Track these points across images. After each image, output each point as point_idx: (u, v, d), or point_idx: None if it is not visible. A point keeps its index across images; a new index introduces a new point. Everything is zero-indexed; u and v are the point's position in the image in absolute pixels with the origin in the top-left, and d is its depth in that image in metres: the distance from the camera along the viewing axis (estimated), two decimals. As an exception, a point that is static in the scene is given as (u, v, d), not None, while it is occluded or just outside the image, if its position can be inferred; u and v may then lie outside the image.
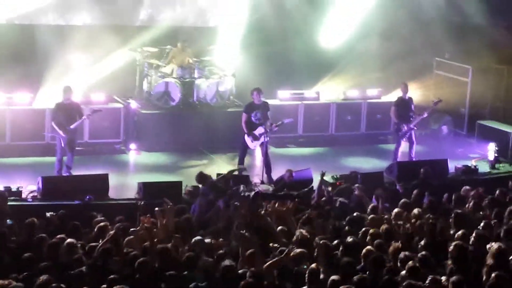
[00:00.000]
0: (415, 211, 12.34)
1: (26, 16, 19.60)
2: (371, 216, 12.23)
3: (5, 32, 19.06)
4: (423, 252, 10.12)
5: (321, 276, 9.32)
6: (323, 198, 13.79)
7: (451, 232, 11.49)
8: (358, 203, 13.54)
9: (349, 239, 10.65)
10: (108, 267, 9.95)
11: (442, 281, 9.27)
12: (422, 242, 10.98)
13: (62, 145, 15.96)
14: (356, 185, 14.55)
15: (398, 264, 9.94)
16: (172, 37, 20.29)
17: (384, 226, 11.37)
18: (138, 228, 11.25)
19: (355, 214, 12.33)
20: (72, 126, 15.98)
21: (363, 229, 11.35)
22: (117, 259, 10.15)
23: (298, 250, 9.86)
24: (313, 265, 9.37)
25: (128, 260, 10.11)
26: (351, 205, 13.48)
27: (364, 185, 14.52)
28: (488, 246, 10.32)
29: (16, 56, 18.89)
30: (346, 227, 11.81)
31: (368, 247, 10.35)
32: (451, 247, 10.07)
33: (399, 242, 10.66)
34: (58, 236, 10.93)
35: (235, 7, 20.92)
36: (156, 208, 11.65)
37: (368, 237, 10.91)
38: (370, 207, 13.05)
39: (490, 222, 11.86)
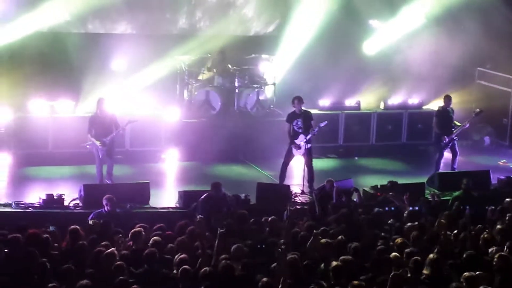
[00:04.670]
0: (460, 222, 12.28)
1: (67, 25, 19.76)
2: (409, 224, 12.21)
3: (47, 40, 19.25)
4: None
5: None
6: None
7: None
8: (396, 213, 13.49)
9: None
10: (154, 271, 10.05)
11: None
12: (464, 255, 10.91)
13: (100, 156, 16.08)
14: (390, 193, 14.49)
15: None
16: (212, 46, 20.31)
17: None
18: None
19: (390, 221, 12.33)
20: (107, 139, 16.08)
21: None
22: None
23: None
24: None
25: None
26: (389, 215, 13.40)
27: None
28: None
29: (58, 64, 19.09)
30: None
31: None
32: (496, 259, 10.03)
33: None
34: (102, 244, 11.02)
35: (277, 17, 20.97)
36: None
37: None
38: (406, 214, 13.00)
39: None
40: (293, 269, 9.84)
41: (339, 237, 11.36)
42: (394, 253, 10.73)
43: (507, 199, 14.26)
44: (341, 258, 10.18)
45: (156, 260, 10.49)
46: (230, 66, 20.08)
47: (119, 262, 10.26)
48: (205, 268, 9.97)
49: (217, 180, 14.61)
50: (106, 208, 13.44)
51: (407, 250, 10.80)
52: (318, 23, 20.96)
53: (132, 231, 11.58)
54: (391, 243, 11.38)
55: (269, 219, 12.55)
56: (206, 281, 9.71)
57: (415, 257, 10.21)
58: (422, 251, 10.73)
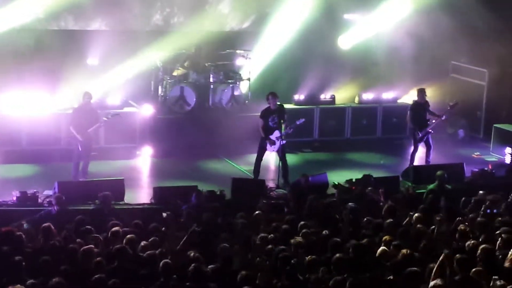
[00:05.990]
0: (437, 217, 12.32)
1: (40, 21, 19.65)
2: (389, 220, 12.22)
3: (20, 37, 19.13)
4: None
5: None
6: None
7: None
8: (372, 207, 13.50)
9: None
10: (123, 267, 10.02)
11: None
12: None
13: (79, 149, 16.03)
14: (369, 188, 14.55)
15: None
16: (187, 42, 20.27)
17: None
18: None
19: (365, 219, 12.34)
20: (90, 130, 16.07)
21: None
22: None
23: None
24: None
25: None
26: (364, 209, 13.42)
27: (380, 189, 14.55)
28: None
29: (31, 61, 18.92)
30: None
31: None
32: (479, 251, 10.07)
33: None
34: (76, 241, 11.00)
35: (253, 13, 20.98)
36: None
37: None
38: (385, 209, 13.03)
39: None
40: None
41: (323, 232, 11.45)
42: (382, 248, 10.73)
43: (481, 192, 14.38)
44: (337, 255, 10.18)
45: (128, 257, 10.46)
46: (205, 62, 20.05)
47: (97, 259, 10.24)
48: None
49: (192, 176, 14.58)
50: (55, 208, 13.39)
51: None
52: (293, 18, 20.97)
53: (112, 230, 11.51)
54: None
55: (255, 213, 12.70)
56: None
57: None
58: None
